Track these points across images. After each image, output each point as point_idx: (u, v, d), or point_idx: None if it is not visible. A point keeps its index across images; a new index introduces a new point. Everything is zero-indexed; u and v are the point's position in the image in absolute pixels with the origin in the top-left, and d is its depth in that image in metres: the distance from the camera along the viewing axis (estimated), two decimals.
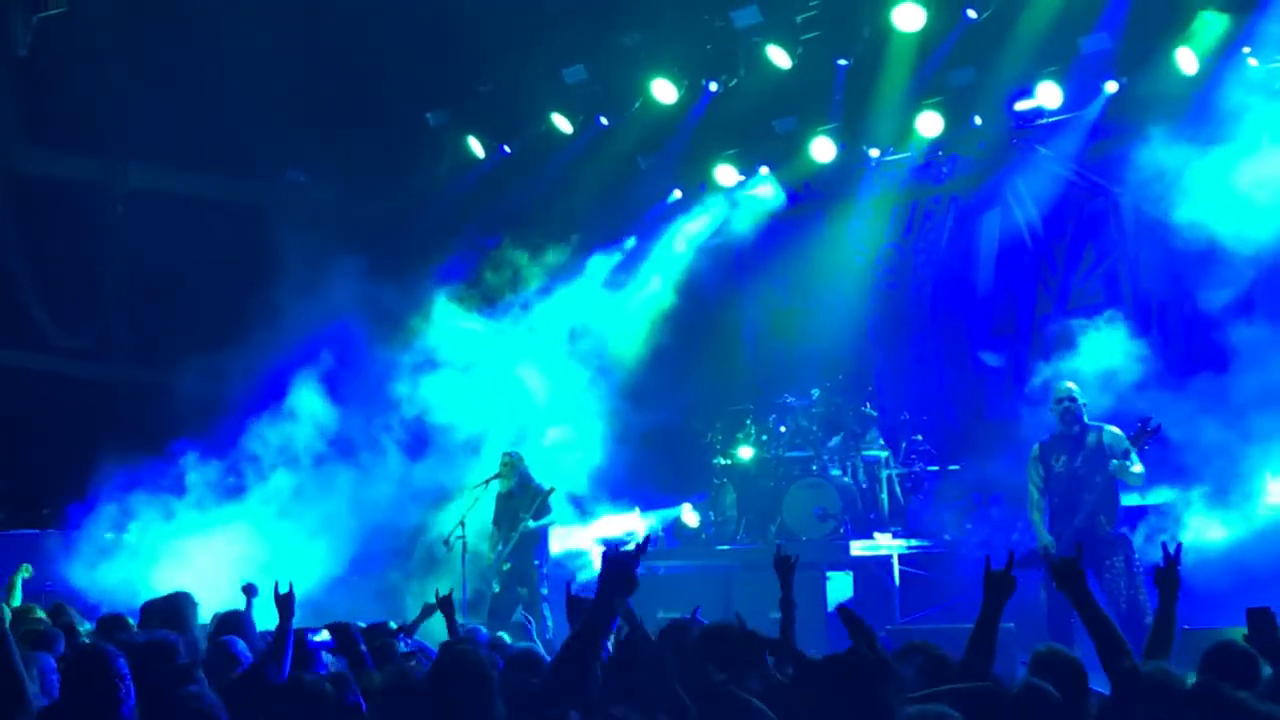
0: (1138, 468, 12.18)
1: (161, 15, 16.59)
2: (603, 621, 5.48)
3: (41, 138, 18.09)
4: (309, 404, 16.98)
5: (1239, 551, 12.97)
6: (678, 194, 18.17)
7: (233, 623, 9.08)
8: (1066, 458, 12.38)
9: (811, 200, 17.59)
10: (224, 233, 17.79)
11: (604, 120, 17.31)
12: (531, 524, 15.23)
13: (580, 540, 16.54)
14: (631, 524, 16.65)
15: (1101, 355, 14.66)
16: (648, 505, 17.16)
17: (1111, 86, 14.94)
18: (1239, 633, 7.00)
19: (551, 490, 15.45)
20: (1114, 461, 12.12)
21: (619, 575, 5.42)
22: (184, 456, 16.42)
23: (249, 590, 10.88)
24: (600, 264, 18.00)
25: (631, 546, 5.72)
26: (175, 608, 9.90)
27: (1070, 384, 12.68)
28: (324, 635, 7.73)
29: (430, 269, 17.58)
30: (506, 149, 18.05)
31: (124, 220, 18.79)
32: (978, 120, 15.90)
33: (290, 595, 7.75)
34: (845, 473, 15.79)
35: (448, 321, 17.40)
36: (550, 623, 14.85)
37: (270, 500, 16.52)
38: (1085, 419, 12.46)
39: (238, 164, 18.05)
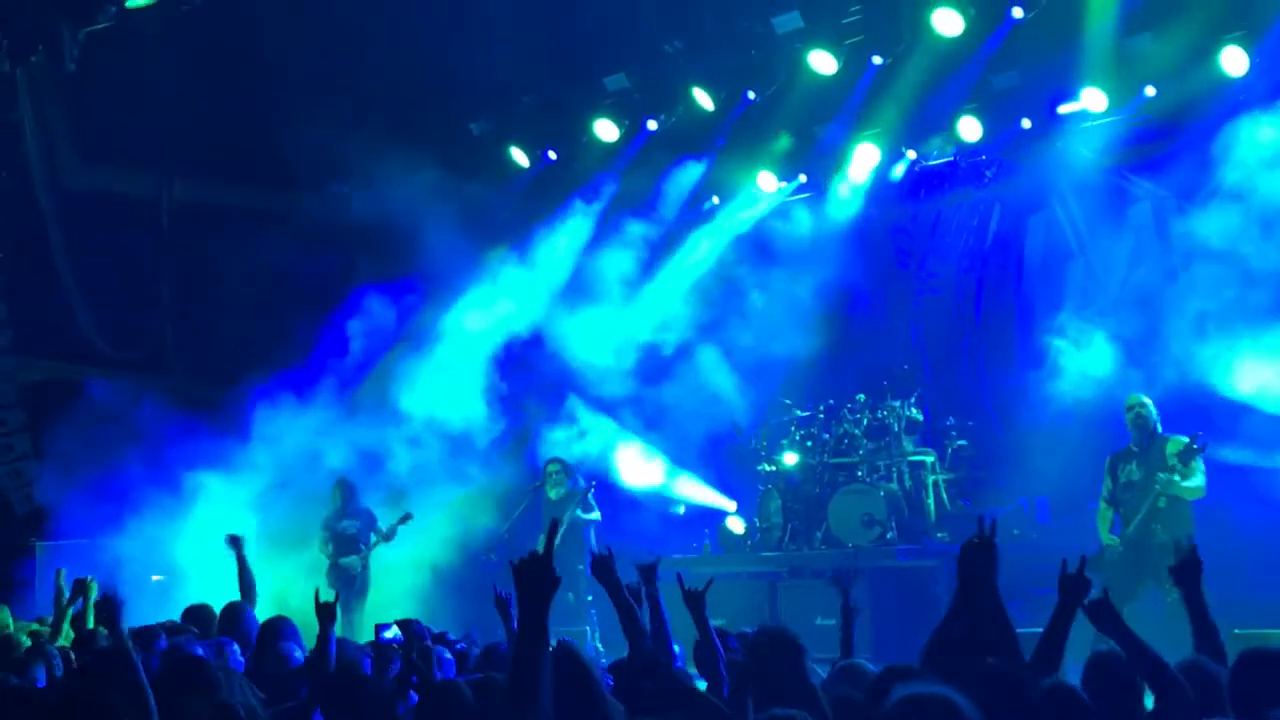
0: (1194, 481, 12.20)
1: (207, 28, 16.70)
2: (530, 632, 5.02)
3: (89, 152, 18.23)
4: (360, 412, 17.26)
5: None
6: (715, 200, 18.18)
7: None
8: (1132, 467, 12.47)
9: (855, 205, 17.50)
10: (268, 245, 17.89)
11: (651, 125, 17.33)
12: (581, 514, 15.35)
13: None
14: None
15: (1145, 360, 14.63)
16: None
17: (1150, 91, 14.82)
18: None
19: (593, 485, 15.53)
20: (1160, 475, 12.21)
21: (530, 583, 5.06)
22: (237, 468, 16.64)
23: (235, 542, 11.03)
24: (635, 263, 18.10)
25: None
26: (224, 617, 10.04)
27: (1144, 398, 12.73)
28: (394, 631, 7.75)
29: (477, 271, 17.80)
30: (552, 155, 18.11)
31: (170, 233, 18.94)
32: (1024, 124, 15.81)
33: (332, 605, 7.78)
34: (891, 478, 15.75)
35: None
36: (598, 631, 14.87)
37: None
38: (1156, 428, 12.51)
39: (282, 176, 18.14)
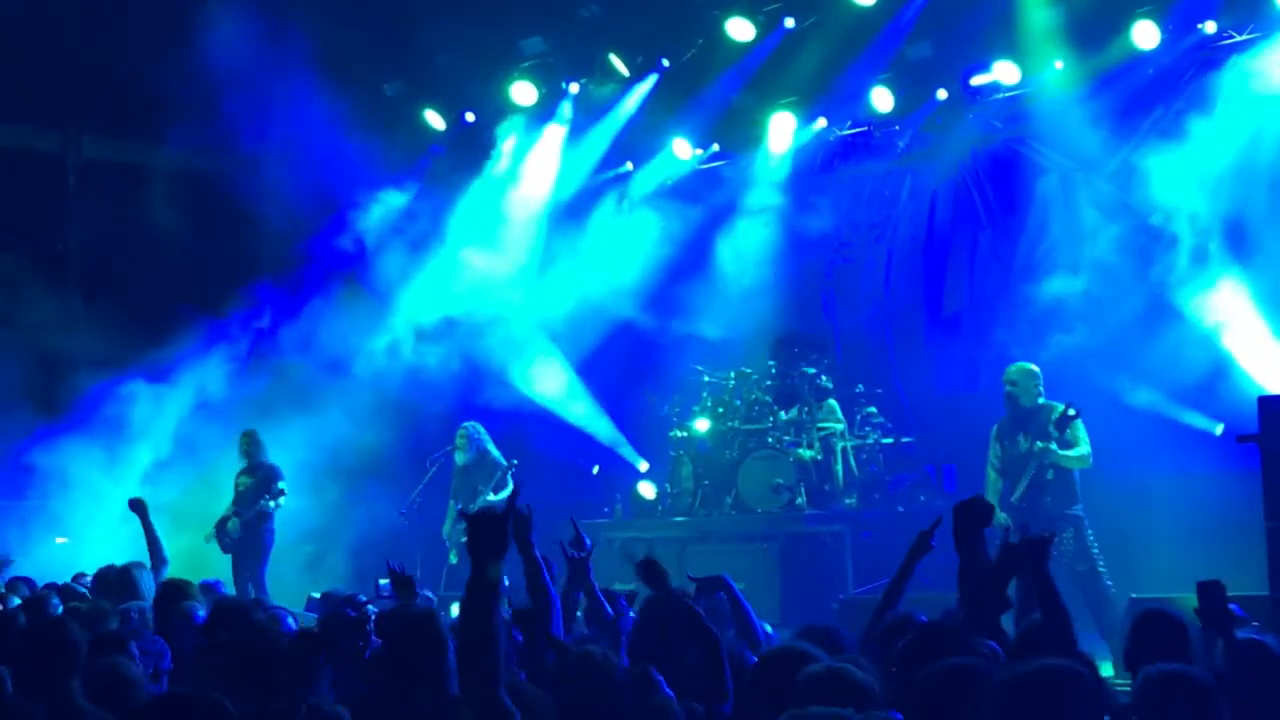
0: (1078, 450, 12.34)
1: None
2: (480, 594, 4.98)
3: None
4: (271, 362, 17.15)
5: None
6: (629, 165, 18.17)
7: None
8: (1020, 437, 12.59)
9: (769, 173, 17.54)
10: (179, 204, 17.70)
11: (573, 89, 17.29)
12: (491, 497, 15.28)
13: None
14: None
15: (1048, 331, 14.83)
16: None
17: (1059, 64, 14.95)
18: (1190, 601, 7.09)
19: (513, 465, 15.47)
20: (1038, 444, 12.32)
21: (484, 539, 5.01)
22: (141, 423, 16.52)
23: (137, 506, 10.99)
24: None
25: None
26: (127, 576, 9.95)
27: (1028, 366, 12.78)
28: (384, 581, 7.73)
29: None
30: (469, 117, 18.02)
31: (77, 191, 18.67)
32: (940, 94, 15.91)
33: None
34: (801, 445, 15.86)
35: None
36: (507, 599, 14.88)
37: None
38: (1030, 400, 12.62)
39: (194, 135, 17.91)
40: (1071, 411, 12.32)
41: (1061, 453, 12.38)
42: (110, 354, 16.95)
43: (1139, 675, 5.20)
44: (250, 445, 15.59)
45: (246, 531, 15.28)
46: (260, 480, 15.42)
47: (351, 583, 13.68)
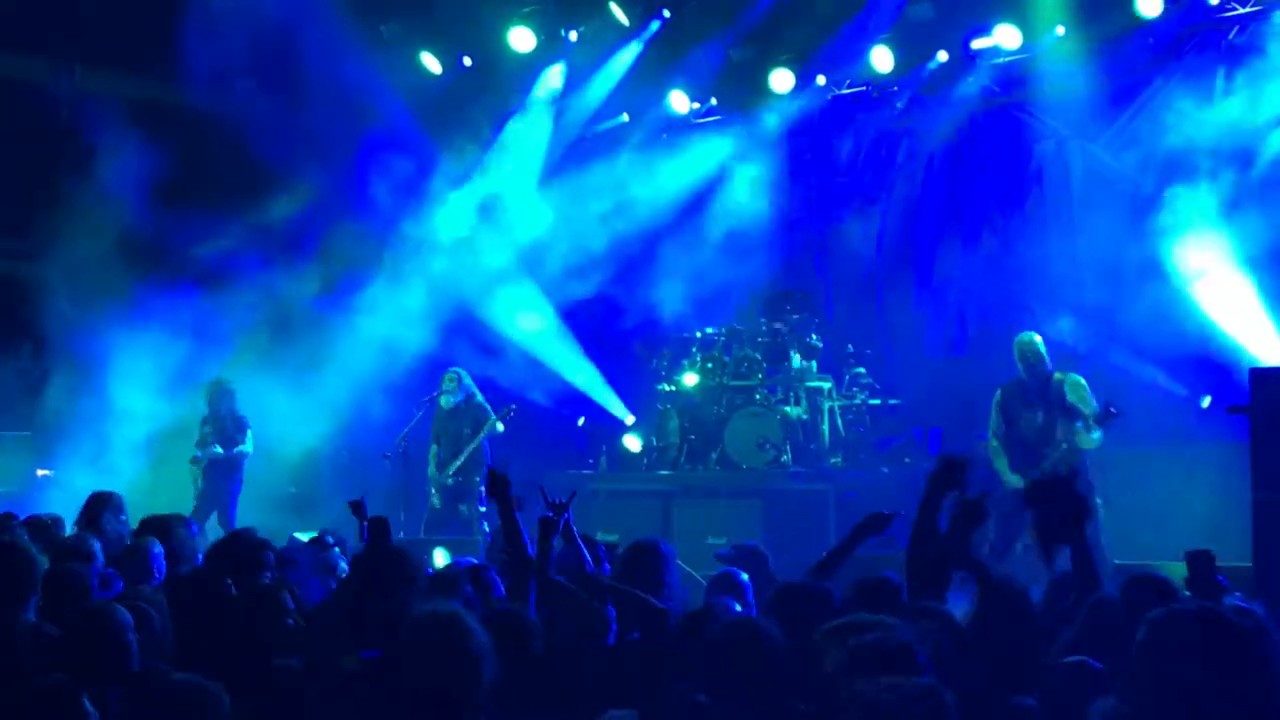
0: (1097, 434, 12.39)
1: None
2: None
3: None
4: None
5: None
6: (625, 117, 18.09)
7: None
8: (1030, 413, 12.56)
9: (766, 130, 17.47)
10: (172, 139, 17.55)
11: (573, 36, 17.21)
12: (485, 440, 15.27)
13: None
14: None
15: (1039, 299, 14.84)
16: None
17: (1061, 30, 14.90)
18: (1177, 569, 7.12)
19: (512, 409, 15.45)
20: (1063, 423, 12.35)
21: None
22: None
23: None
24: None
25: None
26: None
27: (1036, 336, 12.80)
28: None
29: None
30: (467, 62, 17.90)
31: (69, 123, 18.51)
32: (940, 56, 15.86)
33: None
34: (788, 402, 15.89)
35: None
36: (488, 540, 14.90)
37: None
38: (1046, 366, 12.64)
39: (187, 71, 17.78)
40: (1114, 410, 12.34)
41: (1089, 435, 12.41)
42: (99, 290, 16.86)
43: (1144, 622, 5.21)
44: (214, 393, 15.62)
45: (207, 478, 15.38)
46: (218, 429, 15.49)
47: (339, 525, 13.67)
